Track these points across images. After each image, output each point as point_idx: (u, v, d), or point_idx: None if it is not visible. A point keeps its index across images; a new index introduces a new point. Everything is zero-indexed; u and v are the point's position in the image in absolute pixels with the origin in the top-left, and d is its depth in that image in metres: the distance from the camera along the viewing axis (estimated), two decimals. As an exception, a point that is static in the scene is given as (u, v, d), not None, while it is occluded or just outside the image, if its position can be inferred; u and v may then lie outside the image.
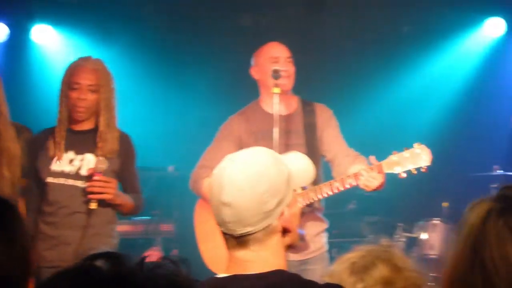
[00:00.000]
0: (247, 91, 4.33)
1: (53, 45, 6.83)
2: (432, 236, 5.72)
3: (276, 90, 3.88)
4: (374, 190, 3.74)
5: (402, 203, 6.42)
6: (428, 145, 3.72)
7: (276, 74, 3.90)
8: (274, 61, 4.02)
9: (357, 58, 6.71)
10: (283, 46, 4.13)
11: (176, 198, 6.14)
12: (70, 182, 3.87)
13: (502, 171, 5.86)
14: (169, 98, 6.75)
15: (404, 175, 3.69)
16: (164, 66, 6.72)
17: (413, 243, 5.83)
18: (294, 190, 1.99)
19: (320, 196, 3.83)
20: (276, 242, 1.94)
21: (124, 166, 3.97)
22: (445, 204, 5.96)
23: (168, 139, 6.58)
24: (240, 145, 3.94)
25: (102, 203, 3.83)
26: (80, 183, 3.86)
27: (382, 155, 3.75)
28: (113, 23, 6.65)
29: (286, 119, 4.04)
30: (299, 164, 2.07)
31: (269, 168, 1.92)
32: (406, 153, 3.68)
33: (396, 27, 6.82)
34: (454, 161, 6.45)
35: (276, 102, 3.87)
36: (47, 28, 6.80)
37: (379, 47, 6.70)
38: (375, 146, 3.96)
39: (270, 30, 6.52)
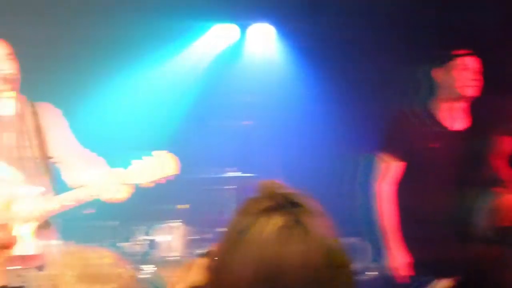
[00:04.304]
0: None
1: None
2: (172, 238, 5.78)
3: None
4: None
5: (140, 206, 6.31)
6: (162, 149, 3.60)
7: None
8: None
9: (88, 57, 6.43)
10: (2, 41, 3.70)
11: None
12: None
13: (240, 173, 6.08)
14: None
15: (152, 184, 3.51)
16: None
17: (153, 246, 5.80)
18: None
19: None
20: None
21: None
22: (181, 207, 6.01)
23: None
24: None
25: None
26: None
27: (119, 156, 3.58)
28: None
29: (15, 121, 3.69)
30: None
31: None
32: (150, 161, 3.48)
33: (127, 31, 6.62)
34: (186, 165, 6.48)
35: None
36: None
37: (111, 47, 6.48)
38: (111, 147, 3.77)
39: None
